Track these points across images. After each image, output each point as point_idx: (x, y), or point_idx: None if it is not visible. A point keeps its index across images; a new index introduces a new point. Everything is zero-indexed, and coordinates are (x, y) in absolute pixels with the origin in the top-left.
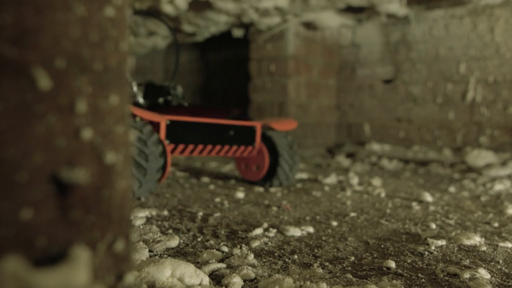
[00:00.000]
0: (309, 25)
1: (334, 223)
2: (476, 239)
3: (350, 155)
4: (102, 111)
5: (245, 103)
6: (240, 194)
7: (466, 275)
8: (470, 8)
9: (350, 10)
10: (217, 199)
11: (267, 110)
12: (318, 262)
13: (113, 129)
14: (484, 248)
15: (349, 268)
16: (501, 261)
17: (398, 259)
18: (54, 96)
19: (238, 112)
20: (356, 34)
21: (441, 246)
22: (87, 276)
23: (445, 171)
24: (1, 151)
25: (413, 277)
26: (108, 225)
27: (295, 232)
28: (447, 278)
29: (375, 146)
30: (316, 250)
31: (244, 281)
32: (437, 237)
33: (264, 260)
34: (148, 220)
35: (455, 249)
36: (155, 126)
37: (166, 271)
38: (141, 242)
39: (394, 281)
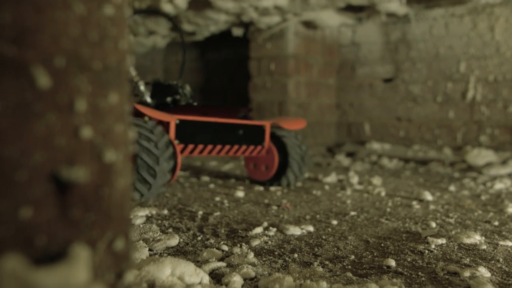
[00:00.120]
0: (309, 24)
1: (334, 222)
2: (476, 238)
3: (350, 154)
4: (101, 110)
5: (245, 102)
6: (240, 193)
7: (466, 273)
8: (470, 7)
9: (350, 9)
10: (217, 198)
11: (267, 110)
12: (318, 260)
13: (112, 128)
14: (484, 247)
15: (349, 266)
16: (501, 260)
17: (398, 257)
18: (53, 95)
19: (245, 111)
20: (356, 33)
21: (441, 245)
22: (87, 274)
23: (445, 170)
24: (0, 150)
25: (413, 275)
26: (108, 223)
27: (295, 231)
28: (447, 276)
29: (375, 145)
30: (316, 249)
31: (244, 280)
32: (437, 235)
33: (264, 259)
34: (148, 219)
35: (455, 247)
36: (164, 125)
37: (166, 270)
38: (141, 241)
39: (394, 280)
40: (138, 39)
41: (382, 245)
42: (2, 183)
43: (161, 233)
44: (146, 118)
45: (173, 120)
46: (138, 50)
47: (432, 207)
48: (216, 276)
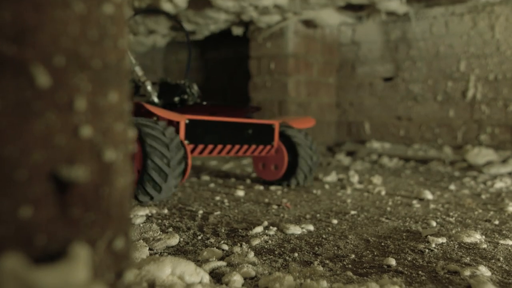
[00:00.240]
0: (309, 23)
1: (335, 221)
2: (476, 237)
3: (350, 153)
4: (101, 109)
5: (245, 101)
6: (240, 193)
7: (467, 272)
8: (470, 6)
9: (350, 7)
10: (217, 198)
11: (267, 109)
12: (318, 260)
13: (112, 127)
14: (484, 246)
15: (350, 266)
16: (501, 259)
17: (399, 256)
18: (53, 94)
19: (254, 110)
20: (356, 32)
21: (442, 244)
22: (86, 273)
23: (446, 169)
24: (0, 149)
25: (414, 274)
26: (108, 222)
27: (295, 230)
28: (447, 275)
29: (376, 144)
30: (316, 248)
31: (245, 279)
32: (438, 234)
33: (265, 258)
34: (148, 218)
35: (456, 246)
36: (173, 125)
37: (166, 269)
38: (141, 241)
39: (395, 279)
40: (138, 38)
41: (383, 244)
42: (2, 182)
43: (161, 233)
44: (155, 118)
45: (183, 120)
46: (138, 49)
47: (432, 206)
48: (216, 276)
